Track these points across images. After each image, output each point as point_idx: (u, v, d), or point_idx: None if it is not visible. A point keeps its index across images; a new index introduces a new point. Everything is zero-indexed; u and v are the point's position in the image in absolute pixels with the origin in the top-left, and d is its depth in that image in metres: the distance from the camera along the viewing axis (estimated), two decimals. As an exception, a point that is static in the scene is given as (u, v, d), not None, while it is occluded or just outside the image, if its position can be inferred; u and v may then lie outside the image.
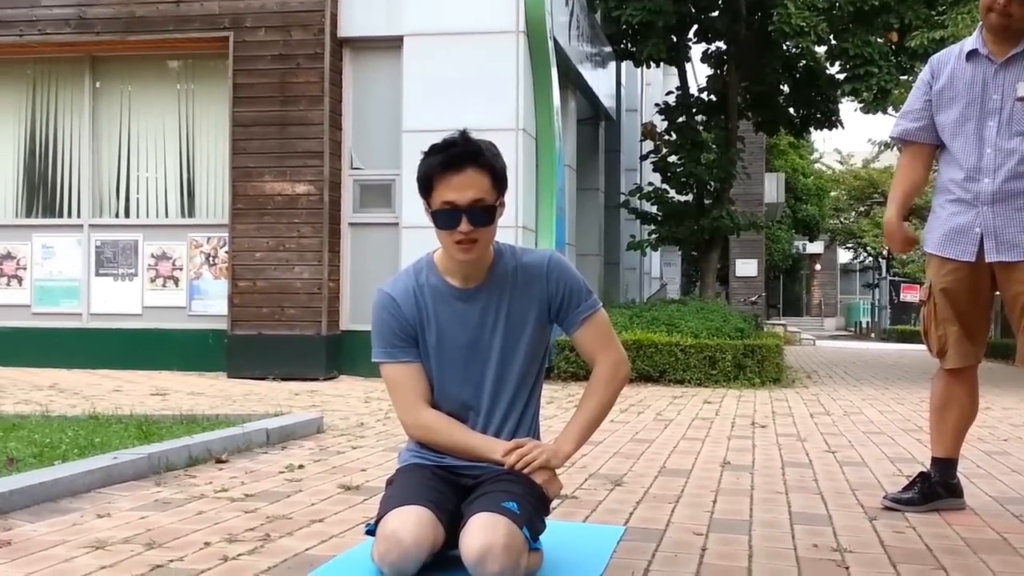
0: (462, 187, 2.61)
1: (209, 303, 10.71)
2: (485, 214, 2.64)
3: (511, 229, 9.60)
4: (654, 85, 22.71)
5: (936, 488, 3.87)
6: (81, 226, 11.04)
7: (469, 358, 2.77)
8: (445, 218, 2.63)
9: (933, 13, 13.87)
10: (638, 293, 20.16)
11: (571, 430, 2.84)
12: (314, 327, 10.08)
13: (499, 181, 2.68)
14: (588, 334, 2.82)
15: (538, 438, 2.92)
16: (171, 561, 2.90)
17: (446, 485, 2.77)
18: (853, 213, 43.44)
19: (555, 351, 10.13)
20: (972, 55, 3.74)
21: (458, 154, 2.63)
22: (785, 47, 14.83)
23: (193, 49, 10.85)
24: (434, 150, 2.67)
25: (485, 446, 2.75)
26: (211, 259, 10.76)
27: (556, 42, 10.89)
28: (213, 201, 10.94)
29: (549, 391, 8.66)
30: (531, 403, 2.88)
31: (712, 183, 15.26)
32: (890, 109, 15.62)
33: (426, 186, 2.68)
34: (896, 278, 40.39)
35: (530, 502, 2.68)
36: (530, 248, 2.99)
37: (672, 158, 15.80)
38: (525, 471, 2.68)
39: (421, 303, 2.78)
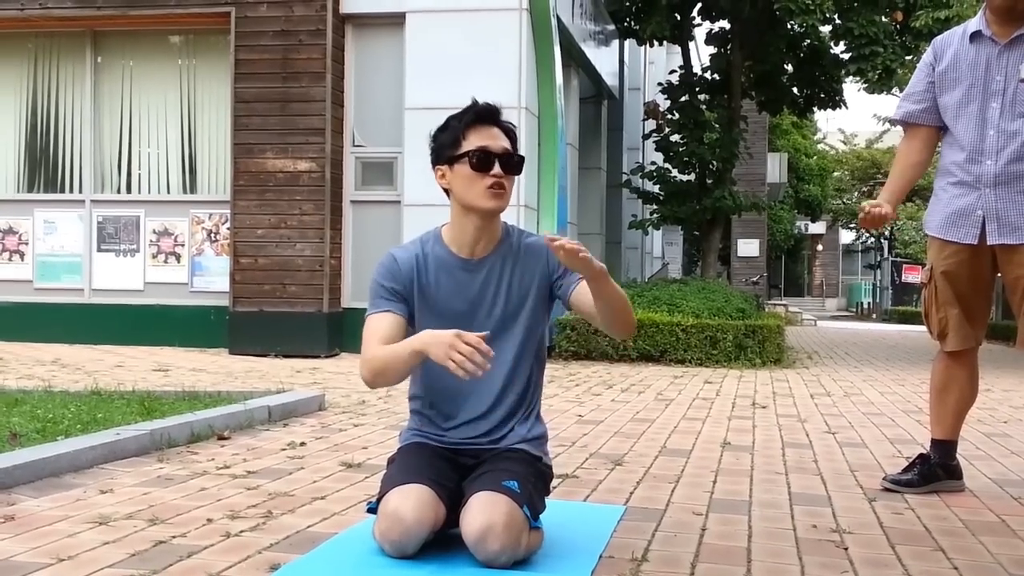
0: (493, 137, 2.75)
1: (211, 280, 10.71)
2: (514, 163, 2.76)
3: (513, 208, 9.59)
4: (657, 64, 22.62)
5: (935, 470, 3.88)
6: (83, 201, 11.03)
7: (467, 327, 2.78)
8: (481, 160, 2.71)
9: (938, -8, 13.79)
10: (640, 272, 20.16)
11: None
12: (315, 304, 10.09)
13: (515, 145, 2.81)
14: (587, 288, 2.71)
15: (538, 415, 2.92)
16: (173, 537, 2.92)
17: (447, 464, 2.78)
18: (856, 193, 43.29)
19: (556, 330, 10.14)
20: (975, 36, 3.73)
21: (486, 110, 2.78)
22: (789, 26, 14.75)
23: (194, 24, 10.80)
24: (460, 112, 2.78)
25: (421, 336, 2.64)
26: (213, 235, 10.76)
27: (559, 20, 10.84)
28: (215, 177, 10.93)
29: (551, 369, 8.67)
30: (531, 380, 2.87)
31: (714, 163, 15.23)
32: (895, 89, 15.55)
33: (454, 140, 2.75)
34: (898, 259, 40.35)
35: (530, 481, 2.69)
36: (534, 233, 3.00)
37: (674, 137, 15.76)
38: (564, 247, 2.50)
39: (422, 270, 2.80)
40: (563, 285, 2.80)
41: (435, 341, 2.55)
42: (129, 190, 11.13)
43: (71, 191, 11.14)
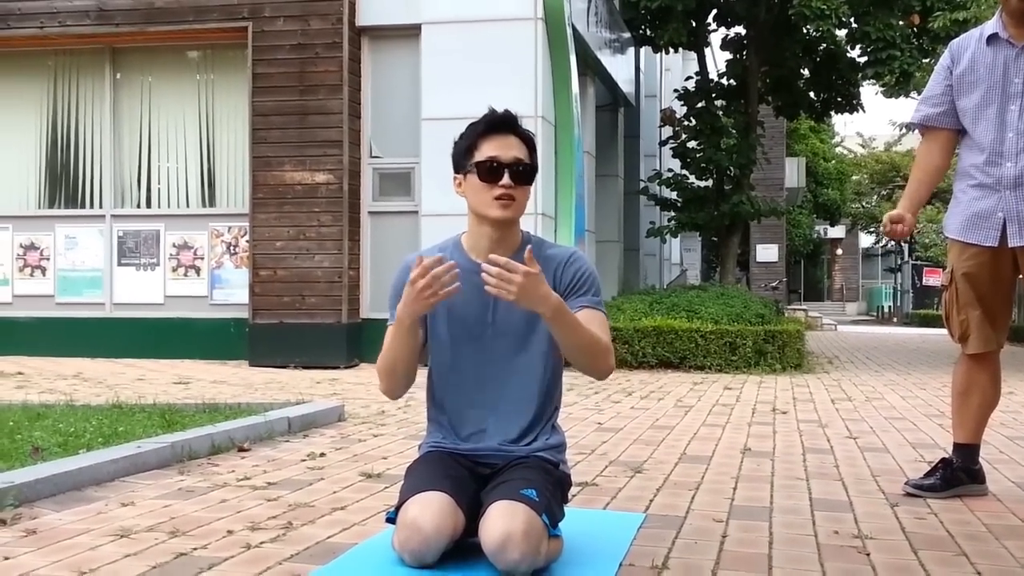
0: (506, 147, 2.74)
1: (230, 292, 10.77)
2: (525, 173, 2.75)
3: (531, 216, 9.59)
4: (673, 71, 22.63)
5: (958, 474, 3.85)
6: (103, 216, 11.11)
7: (483, 333, 2.79)
8: (489, 170, 2.72)
9: (955, -6, 13.73)
10: (658, 279, 20.13)
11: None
12: (334, 315, 10.12)
13: (533, 153, 2.80)
14: (584, 319, 2.73)
15: (555, 424, 2.91)
16: (195, 549, 2.92)
17: (466, 472, 2.78)
18: (875, 197, 43.11)
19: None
20: (992, 39, 3.71)
21: (501, 118, 2.77)
22: (805, 31, 14.73)
23: (212, 39, 10.88)
24: (476, 121, 2.80)
25: (397, 314, 2.67)
26: (232, 248, 10.81)
27: (574, 28, 10.85)
28: (234, 191, 10.99)
29: (569, 378, 8.64)
30: (549, 387, 2.86)
31: (732, 168, 15.20)
32: (912, 92, 15.50)
33: (468, 149, 2.77)
34: (918, 262, 40.10)
35: (549, 489, 2.69)
36: (556, 243, 3.00)
37: (691, 144, 15.76)
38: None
39: None
40: (567, 301, 2.80)
41: (403, 303, 2.61)
42: (149, 204, 11.20)
43: (91, 206, 11.22)
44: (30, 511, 3.37)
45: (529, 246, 2.67)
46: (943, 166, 3.89)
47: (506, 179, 2.71)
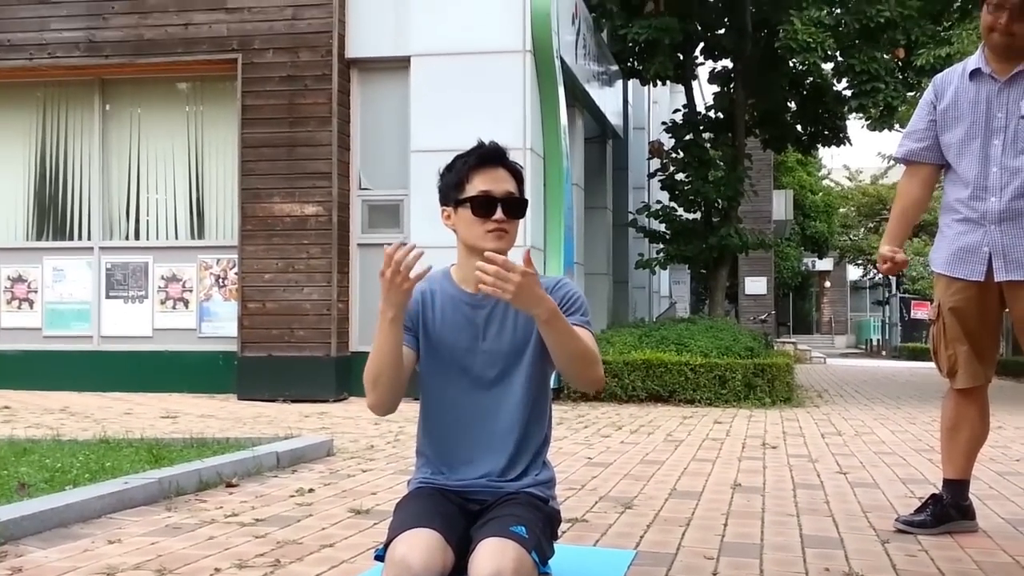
0: (497, 180, 2.73)
1: (219, 325, 10.73)
2: (517, 207, 2.75)
3: (519, 248, 9.52)
4: (661, 103, 22.74)
5: (948, 510, 3.85)
6: (91, 249, 11.08)
7: (471, 362, 2.78)
8: (482, 205, 2.71)
9: (939, 29, 13.88)
10: (647, 312, 20.14)
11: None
12: (324, 348, 10.09)
13: (521, 185, 2.80)
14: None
15: (545, 460, 2.91)
16: (181, 588, 2.90)
17: (455, 509, 2.76)
18: (862, 230, 43.35)
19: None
20: (975, 74, 3.74)
21: (491, 151, 2.76)
22: (792, 64, 14.85)
23: (202, 71, 10.91)
24: (466, 152, 2.78)
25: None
26: (221, 281, 10.79)
27: (563, 61, 10.92)
28: (222, 223, 10.98)
29: (559, 412, 8.64)
30: (538, 420, 2.85)
31: (720, 201, 15.27)
32: (896, 125, 15.62)
33: (459, 183, 2.75)
34: (906, 295, 40.25)
35: (538, 526, 2.67)
36: (544, 275, 3.01)
37: (680, 176, 15.82)
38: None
39: (428, 304, 2.81)
40: None
41: (382, 298, 2.59)
42: (137, 236, 11.18)
43: (80, 238, 11.19)
44: (15, 548, 3.34)
45: (527, 249, 2.66)
46: (924, 199, 3.93)
47: (499, 214, 2.71)
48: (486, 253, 2.57)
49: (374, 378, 2.74)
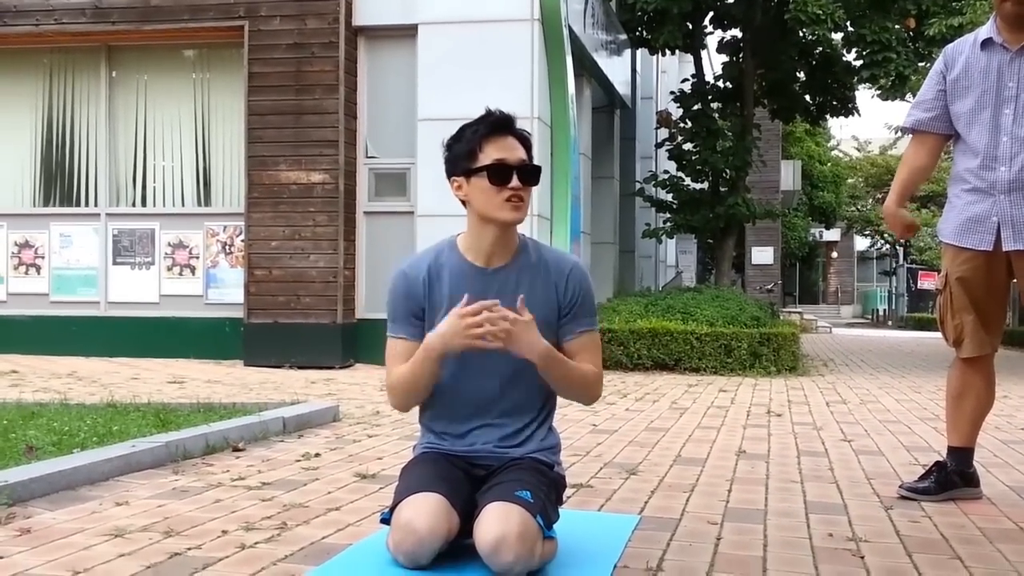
0: (510, 148, 2.74)
1: (225, 292, 10.75)
2: (532, 174, 2.76)
3: (527, 218, 9.55)
4: (669, 72, 22.63)
5: (952, 477, 3.86)
6: (98, 215, 11.09)
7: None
8: (498, 173, 2.71)
9: (951, -1, 13.75)
10: (653, 281, 20.14)
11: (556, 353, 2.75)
12: (330, 315, 10.11)
13: (530, 153, 2.80)
14: (580, 345, 2.83)
15: (551, 426, 2.92)
16: (189, 549, 2.92)
17: (460, 473, 2.78)
18: (870, 200, 43.21)
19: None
20: (987, 44, 3.72)
21: (502, 120, 2.76)
22: (801, 34, 14.75)
23: (208, 38, 10.86)
24: (474, 122, 2.78)
25: (430, 342, 2.69)
26: (227, 248, 10.80)
27: (571, 30, 10.85)
28: (229, 190, 10.98)
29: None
30: (544, 387, 2.85)
31: (728, 171, 15.22)
32: (908, 95, 15.52)
33: (470, 152, 2.74)
34: (913, 265, 40.18)
35: (543, 491, 2.69)
36: (553, 248, 3.01)
37: (687, 146, 15.77)
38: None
39: (435, 281, 2.80)
40: (566, 326, 2.83)
41: (449, 334, 2.63)
42: (144, 203, 11.19)
43: (86, 205, 11.20)
44: (24, 510, 3.36)
45: (521, 297, 2.67)
46: (929, 167, 3.94)
47: (515, 181, 2.71)
48: (480, 303, 2.61)
49: (404, 394, 2.81)
